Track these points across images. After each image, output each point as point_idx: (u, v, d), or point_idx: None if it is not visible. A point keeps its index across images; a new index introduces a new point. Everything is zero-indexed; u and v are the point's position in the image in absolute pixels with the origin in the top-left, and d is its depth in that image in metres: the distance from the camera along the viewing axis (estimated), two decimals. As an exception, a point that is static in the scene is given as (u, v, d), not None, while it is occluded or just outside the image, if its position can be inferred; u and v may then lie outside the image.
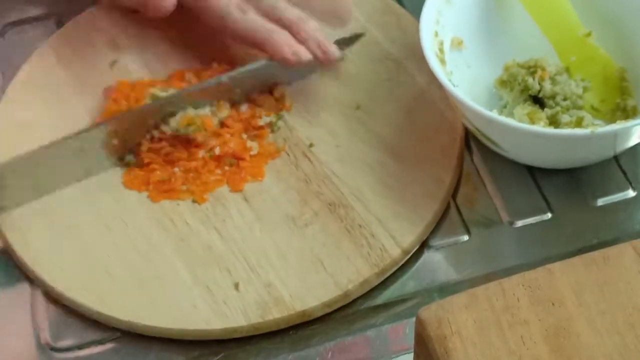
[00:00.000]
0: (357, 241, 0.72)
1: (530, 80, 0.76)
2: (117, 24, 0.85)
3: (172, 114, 0.76)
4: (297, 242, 0.72)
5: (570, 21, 0.79)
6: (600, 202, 0.75)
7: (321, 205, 0.74)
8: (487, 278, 0.71)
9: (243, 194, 0.75)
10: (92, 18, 0.86)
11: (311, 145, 0.77)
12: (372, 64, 0.82)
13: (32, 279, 0.73)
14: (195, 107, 0.77)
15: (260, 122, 0.78)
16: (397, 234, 0.72)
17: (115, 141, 0.76)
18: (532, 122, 0.74)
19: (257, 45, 0.78)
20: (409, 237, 0.72)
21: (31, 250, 0.73)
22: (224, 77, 0.78)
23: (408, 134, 0.77)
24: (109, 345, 0.70)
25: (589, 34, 0.78)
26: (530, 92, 0.77)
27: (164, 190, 0.75)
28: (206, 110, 0.77)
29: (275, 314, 0.69)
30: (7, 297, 0.73)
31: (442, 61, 0.76)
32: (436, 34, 0.77)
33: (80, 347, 0.70)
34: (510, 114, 0.76)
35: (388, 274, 0.71)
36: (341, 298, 0.70)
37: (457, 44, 0.79)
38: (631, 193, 0.76)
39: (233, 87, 0.78)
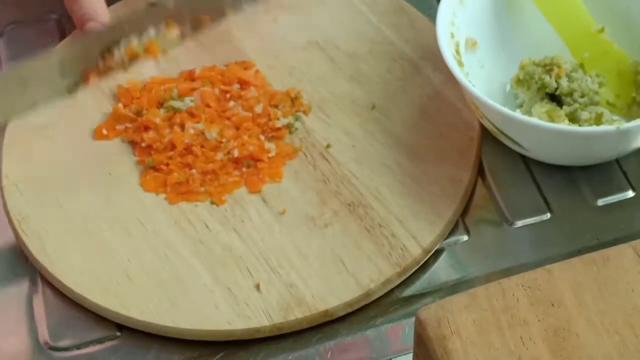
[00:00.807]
0: (378, 241, 0.72)
1: (547, 78, 0.77)
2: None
3: (116, 43, 0.73)
4: (317, 242, 0.72)
5: (582, 17, 0.79)
6: (600, 202, 0.75)
7: (340, 205, 0.74)
8: (487, 278, 0.71)
9: (261, 195, 0.75)
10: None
11: (328, 145, 0.77)
12: (386, 64, 0.82)
13: (49, 283, 0.73)
14: (140, 34, 0.73)
15: (278, 124, 0.78)
16: (417, 234, 0.72)
17: (66, 67, 0.72)
18: (552, 120, 0.74)
19: None
20: (430, 237, 0.72)
21: (49, 255, 0.73)
22: (170, 1, 0.73)
23: (424, 134, 0.78)
24: (107, 344, 0.70)
25: (601, 30, 0.79)
26: (547, 90, 0.77)
27: (181, 192, 0.75)
28: (149, 35, 0.73)
29: (297, 314, 0.69)
30: (6, 296, 0.73)
31: (460, 63, 0.76)
32: (452, 36, 0.77)
33: (79, 346, 0.70)
34: (528, 113, 0.76)
35: (409, 273, 0.71)
36: (363, 297, 0.70)
37: (472, 45, 0.80)
38: (631, 193, 0.76)
39: (178, 8, 0.74)
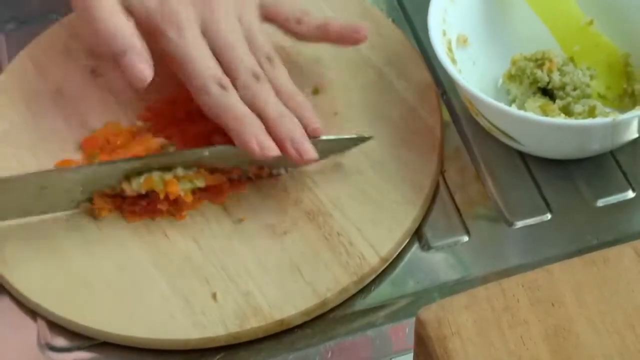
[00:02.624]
0: (336, 249, 0.72)
1: (538, 72, 0.77)
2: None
3: (139, 173, 0.73)
4: (275, 251, 0.72)
5: (571, 11, 0.80)
6: (600, 202, 0.75)
7: (300, 214, 0.74)
8: (486, 278, 0.71)
9: (222, 204, 0.75)
10: (67, 25, 0.85)
11: (290, 153, 0.77)
12: (350, 71, 0.82)
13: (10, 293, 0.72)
14: (164, 170, 0.73)
15: None
16: (375, 242, 0.72)
17: (79, 188, 0.73)
18: (546, 114, 0.75)
19: (225, 128, 0.73)
20: (388, 245, 0.72)
21: (7, 262, 0.73)
22: (206, 151, 0.73)
23: (387, 141, 0.77)
24: (107, 345, 0.70)
25: (590, 22, 0.79)
26: (539, 84, 0.77)
27: (139, 213, 0.75)
28: (176, 173, 0.73)
29: (253, 324, 0.69)
30: (6, 296, 0.73)
31: (453, 60, 0.76)
32: (444, 33, 0.77)
33: (79, 347, 0.70)
34: (521, 108, 0.76)
35: (367, 281, 0.71)
36: (319, 306, 0.70)
37: (463, 42, 0.80)
38: (631, 194, 0.76)
39: (214, 161, 0.74)
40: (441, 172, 0.77)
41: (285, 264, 0.71)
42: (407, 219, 0.73)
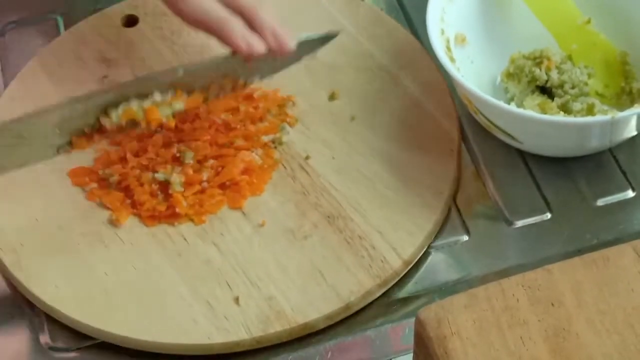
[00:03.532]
0: (358, 252, 0.71)
1: (537, 70, 0.77)
2: (106, 38, 0.84)
3: (115, 105, 0.72)
4: (296, 255, 0.72)
5: (568, 10, 0.80)
6: (600, 202, 0.76)
7: (320, 217, 0.73)
8: (486, 278, 0.71)
9: (241, 208, 0.74)
10: (80, 33, 0.85)
11: (307, 157, 0.77)
12: (365, 76, 0.82)
13: (30, 301, 0.72)
14: (141, 98, 0.73)
15: (266, 139, 0.77)
16: (397, 246, 0.71)
17: (56, 130, 0.72)
18: (544, 112, 0.75)
19: (211, 32, 0.74)
20: (410, 249, 0.71)
21: (25, 269, 0.72)
22: (180, 70, 0.74)
23: (404, 145, 0.77)
24: (107, 345, 0.70)
25: (588, 21, 0.79)
26: (537, 82, 0.78)
27: (158, 217, 0.74)
28: (153, 99, 0.73)
29: (277, 327, 0.68)
30: (7, 296, 0.73)
31: (452, 59, 0.76)
32: (442, 32, 0.77)
33: (79, 347, 0.70)
34: (519, 106, 0.76)
35: (390, 284, 0.71)
36: (343, 310, 0.69)
37: (461, 40, 0.80)
38: (631, 193, 0.76)
39: (190, 80, 0.74)
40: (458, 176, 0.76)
41: (307, 268, 0.71)
42: (428, 223, 0.73)
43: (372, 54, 0.83)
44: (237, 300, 0.70)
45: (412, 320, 0.58)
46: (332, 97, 0.80)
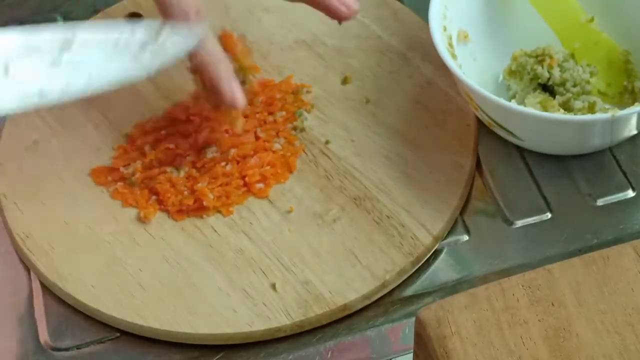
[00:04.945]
0: (388, 232, 0.72)
1: (539, 68, 0.78)
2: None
3: None
4: (327, 238, 0.72)
5: (571, 8, 0.80)
6: (600, 202, 0.76)
7: (346, 200, 0.74)
8: (487, 278, 0.71)
9: (267, 197, 0.75)
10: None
11: (327, 142, 0.78)
12: (375, 58, 0.82)
13: (63, 300, 0.72)
14: None
15: (289, 126, 0.78)
16: (426, 222, 0.72)
17: None
18: (546, 110, 0.75)
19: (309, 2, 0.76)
20: (439, 224, 0.72)
21: (59, 272, 0.72)
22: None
23: (421, 123, 0.78)
24: (108, 345, 0.70)
25: (591, 20, 0.80)
26: (539, 80, 0.78)
27: (185, 211, 0.75)
28: None
29: (317, 311, 0.69)
30: (6, 296, 0.73)
31: (453, 56, 0.77)
32: (445, 29, 0.78)
33: (79, 346, 0.70)
34: (521, 104, 0.77)
35: (422, 261, 0.72)
36: (379, 289, 0.70)
37: (463, 37, 0.80)
38: (631, 193, 0.76)
39: None
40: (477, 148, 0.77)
41: (340, 251, 0.72)
42: (454, 198, 0.74)
43: (380, 35, 0.83)
44: (274, 286, 0.70)
45: (412, 320, 0.58)
46: (344, 81, 0.81)
